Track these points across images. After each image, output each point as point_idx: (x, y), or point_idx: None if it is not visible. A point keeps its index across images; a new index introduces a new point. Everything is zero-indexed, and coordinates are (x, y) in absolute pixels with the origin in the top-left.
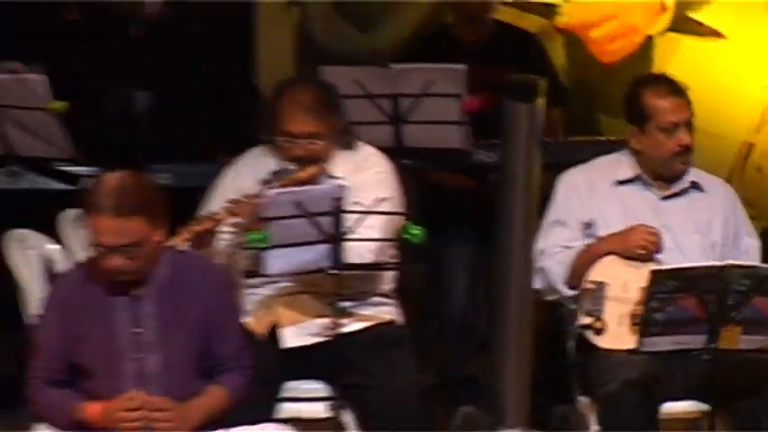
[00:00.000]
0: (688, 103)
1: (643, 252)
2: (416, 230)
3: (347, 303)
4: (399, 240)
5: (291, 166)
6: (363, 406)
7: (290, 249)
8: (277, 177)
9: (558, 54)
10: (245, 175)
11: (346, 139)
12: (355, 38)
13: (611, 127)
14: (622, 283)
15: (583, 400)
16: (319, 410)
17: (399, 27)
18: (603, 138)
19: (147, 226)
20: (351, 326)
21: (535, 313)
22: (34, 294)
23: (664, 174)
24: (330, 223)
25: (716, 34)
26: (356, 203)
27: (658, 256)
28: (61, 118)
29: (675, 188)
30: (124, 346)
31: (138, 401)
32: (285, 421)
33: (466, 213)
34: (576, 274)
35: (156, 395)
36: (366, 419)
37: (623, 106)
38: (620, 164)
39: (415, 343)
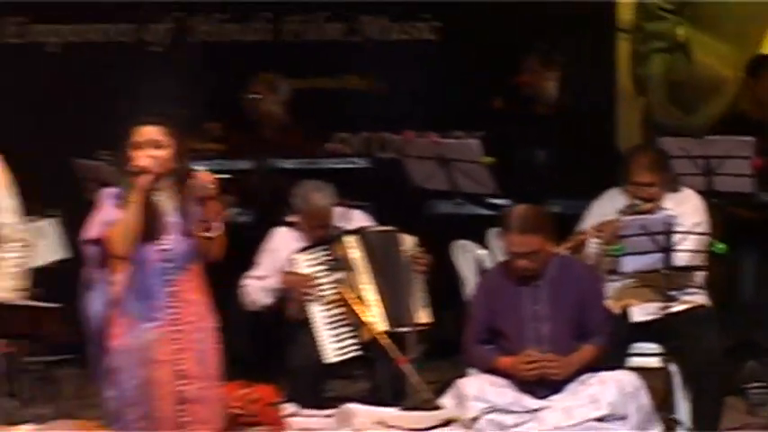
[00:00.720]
0: None
1: None
2: (720, 245)
3: (673, 292)
4: (708, 252)
5: (637, 202)
6: (684, 360)
7: (637, 256)
8: (629, 209)
9: None
10: (606, 206)
11: (673, 185)
12: (682, 119)
13: None
14: None
15: None
16: (654, 363)
17: (712, 111)
18: None
19: (542, 240)
20: (676, 307)
21: None
22: (469, 283)
23: None
24: (663, 239)
25: None
26: (680, 226)
27: None
28: (489, 168)
29: None
30: (527, 317)
31: (533, 357)
32: (632, 369)
33: (753, 235)
34: None
35: (547, 351)
36: (686, 369)
37: None
38: None
39: (718, 319)
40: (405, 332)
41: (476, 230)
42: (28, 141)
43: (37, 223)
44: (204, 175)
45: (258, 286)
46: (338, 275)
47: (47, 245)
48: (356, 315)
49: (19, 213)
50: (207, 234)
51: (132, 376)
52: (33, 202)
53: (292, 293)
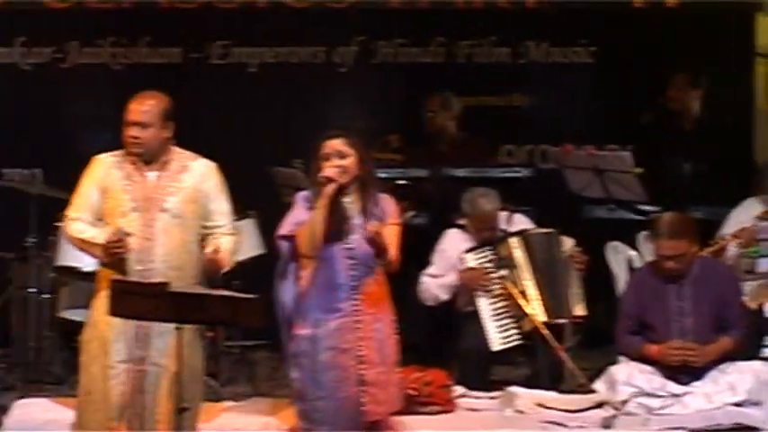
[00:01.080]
0: None
1: None
2: None
3: None
4: None
5: None
6: None
7: None
8: (764, 216)
9: None
10: (744, 214)
11: None
12: None
13: None
14: None
15: None
16: None
17: None
18: None
19: (688, 244)
20: None
21: None
22: (621, 281)
23: None
24: None
25: None
26: None
27: None
28: (639, 177)
29: None
30: (672, 312)
31: (677, 345)
32: (762, 359)
33: None
34: None
35: (689, 341)
36: None
37: None
38: None
39: None
40: (562, 323)
41: (627, 233)
42: (230, 151)
43: (237, 223)
44: (371, 226)
45: (436, 284)
46: (503, 272)
47: (245, 242)
48: (519, 308)
49: (231, 215)
50: (381, 261)
51: (314, 361)
52: (234, 205)
53: (464, 288)
